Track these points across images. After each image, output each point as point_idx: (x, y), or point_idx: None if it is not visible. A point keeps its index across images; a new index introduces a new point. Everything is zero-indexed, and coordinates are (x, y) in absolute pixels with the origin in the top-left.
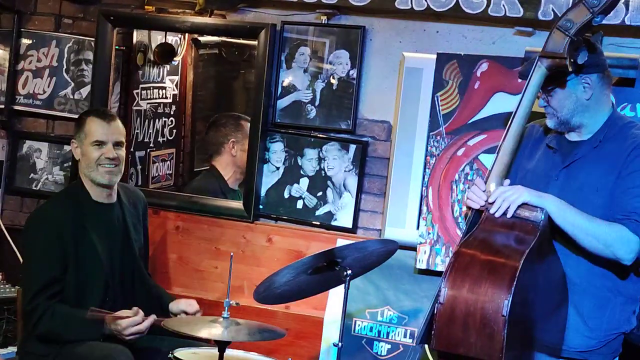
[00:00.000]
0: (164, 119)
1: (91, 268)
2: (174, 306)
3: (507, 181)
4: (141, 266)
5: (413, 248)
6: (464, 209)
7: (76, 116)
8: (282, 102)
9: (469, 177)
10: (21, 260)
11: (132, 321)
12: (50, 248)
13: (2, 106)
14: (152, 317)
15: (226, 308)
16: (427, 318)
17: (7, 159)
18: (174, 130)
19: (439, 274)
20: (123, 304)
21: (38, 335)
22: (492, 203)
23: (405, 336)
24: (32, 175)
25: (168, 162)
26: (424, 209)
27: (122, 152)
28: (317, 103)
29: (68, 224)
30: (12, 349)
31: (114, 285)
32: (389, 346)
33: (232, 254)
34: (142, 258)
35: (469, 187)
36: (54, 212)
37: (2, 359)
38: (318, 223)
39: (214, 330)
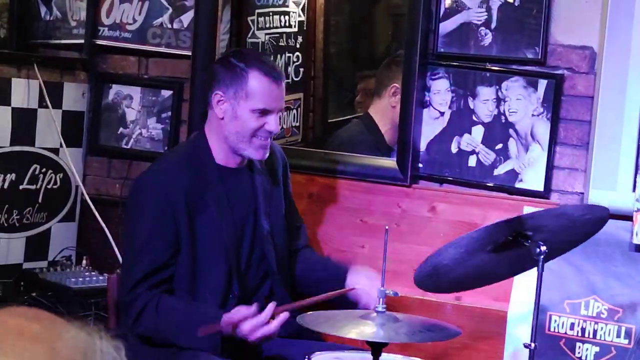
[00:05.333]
0: (287, 55)
1: (211, 252)
2: (350, 281)
3: None
4: (270, 249)
5: (628, 217)
6: None
7: (175, 51)
8: (446, 26)
9: None
10: (122, 240)
11: (256, 323)
12: (159, 225)
13: (82, 41)
14: (271, 308)
15: (381, 299)
16: None
17: (90, 110)
18: (301, 70)
19: None
20: (256, 298)
21: (139, 334)
22: None
23: (619, 335)
24: (121, 129)
25: (294, 110)
26: None
27: None
28: (493, 25)
29: (181, 194)
30: None
31: (240, 276)
32: (597, 349)
33: (386, 227)
34: (280, 233)
35: None
36: (166, 178)
37: None
38: (497, 186)
39: (366, 329)
